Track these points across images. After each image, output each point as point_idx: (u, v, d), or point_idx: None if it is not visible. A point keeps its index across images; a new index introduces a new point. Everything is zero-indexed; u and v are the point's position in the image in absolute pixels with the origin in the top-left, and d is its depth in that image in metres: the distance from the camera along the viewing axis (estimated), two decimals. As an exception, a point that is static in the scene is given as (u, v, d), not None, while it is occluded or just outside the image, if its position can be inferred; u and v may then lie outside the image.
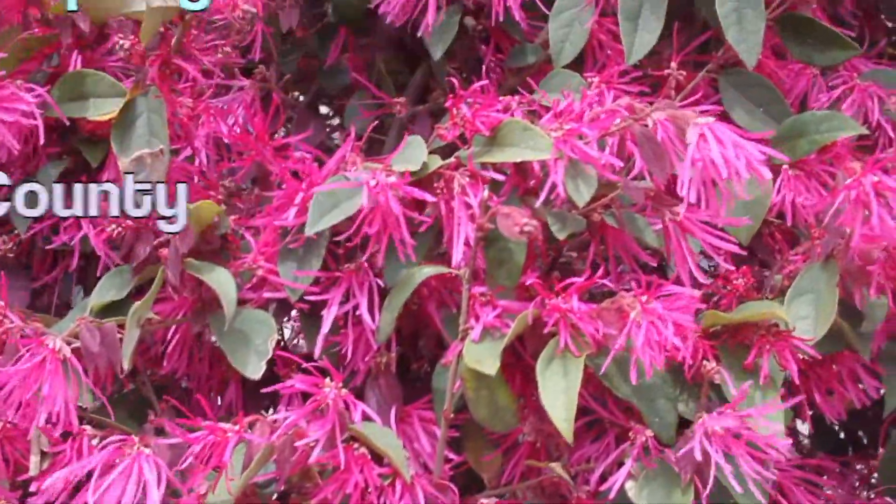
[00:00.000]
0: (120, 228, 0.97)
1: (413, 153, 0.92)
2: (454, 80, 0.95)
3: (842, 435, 1.35)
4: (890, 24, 1.43)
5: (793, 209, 1.04)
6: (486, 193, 0.89)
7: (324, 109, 1.46)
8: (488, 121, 0.91)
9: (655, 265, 0.98)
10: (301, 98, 1.40)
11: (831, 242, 0.93)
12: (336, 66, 1.25)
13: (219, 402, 1.07)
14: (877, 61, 1.21)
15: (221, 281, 0.92)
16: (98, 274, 1.02)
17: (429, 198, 0.88)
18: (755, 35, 0.98)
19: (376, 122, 1.10)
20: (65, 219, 1.03)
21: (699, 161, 0.83)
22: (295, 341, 1.15)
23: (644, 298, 0.86)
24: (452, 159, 0.93)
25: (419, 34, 1.10)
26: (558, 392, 0.85)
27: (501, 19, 1.08)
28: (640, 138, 0.87)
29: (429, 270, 0.92)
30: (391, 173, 0.88)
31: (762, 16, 0.99)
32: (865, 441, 1.35)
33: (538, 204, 0.89)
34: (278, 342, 0.97)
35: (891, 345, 1.06)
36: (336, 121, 1.40)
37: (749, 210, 1.01)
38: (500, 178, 0.91)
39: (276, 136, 1.05)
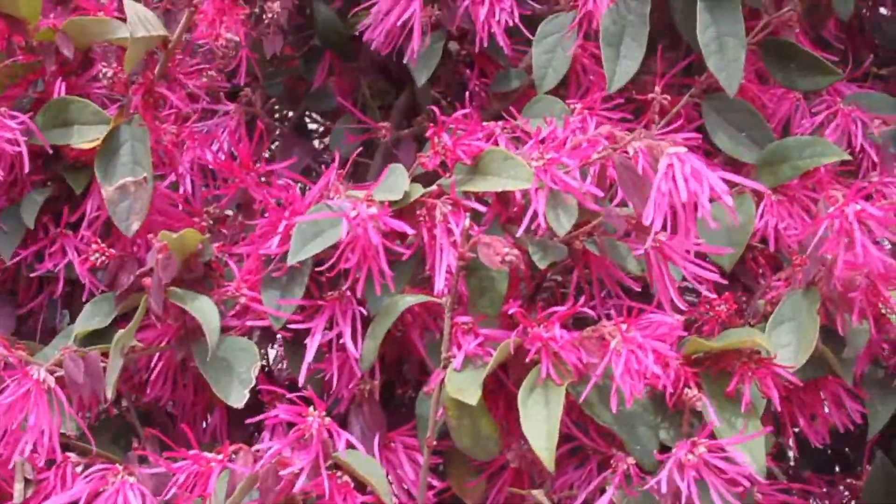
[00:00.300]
0: (103, 257, 0.97)
1: (395, 182, 0.92)
2: (436, 109, 0.95)
3: (828, 453, 1.36)
4: (876, 41, 1.43)
5: (776, 234, 1.04)
6: (467, 222, 0.89)
7: (313, 126, 1.47)
8: (469, 150, 0.92)
9: (639, 290, 0.99)
10: (290, 114, 1.41)
11: (812, 270, 0.93)
12: (322, 89, 1.25)
13: (204, 426, 1.07)
14: (860, 84, 1.22)
15: (204, 310, 0.92)
16: (84, 299, 1.02)
17: (408, 230, 0.88)
18: (736, 63, 0.99)
19: (361, 147, 1.10)
20: (50, 245, 1.04)
21: (665, 191, 0.84)
22: (280, 365, 1.15)
23: (624, 327, 0.86)
24: (434, 187, 0.94)
25: (404, 60, 1.10)
26: (540, 421, 0.85)
27: (485, 45, 1.08)
28: (620, 168, 0.87)
29: (411, 299, 0.92)
30: (372, 203, 0.88)
31: (743, 44, 0.99)
32: (852, 458, 1.36)
33: (520, 232, 0.89)
34: (263, 367, 0.98)
35: (873, 368, 1.06)
36: (326, 138, 1.41)
37: (732, 236, 1.01)
38: (482, 208, 0.91)
39: (263, 158, 1.06)
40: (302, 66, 1.27)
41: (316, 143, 1.47)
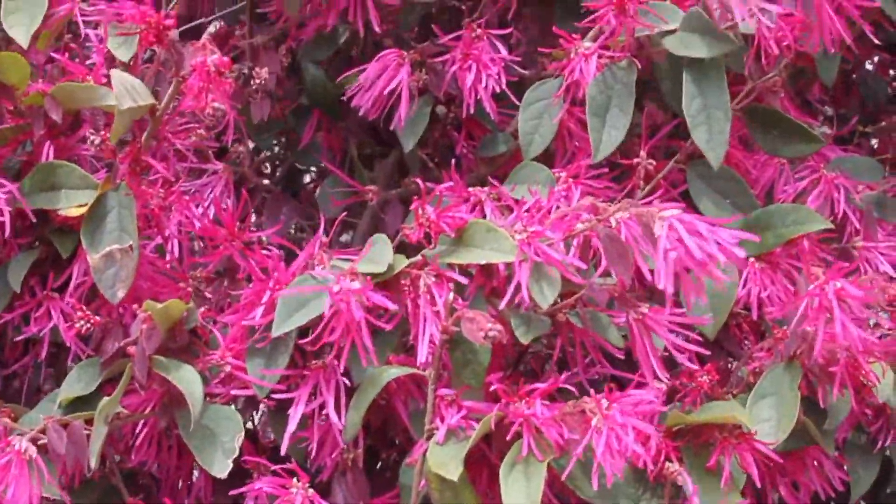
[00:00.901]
0: (88, 324, 0.98)
1: (379, 254, 0.92)
2: (420, 182, 0.96)
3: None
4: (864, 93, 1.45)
5: (759, 302, 1.04)
6: (451, 296, 0.89)
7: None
8: (453, 222, 0.92)
9: (623, 357, 0.99)
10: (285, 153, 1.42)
11: (793, 345, 0.94)
12: (311, 146, 1.26)
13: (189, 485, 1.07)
14: (845, 147, 1.23)
15: (188, 380, 0.92)
16: (69, 359, 1.02)
17: (390, 306, 0.88)
18: (721, 136, 0.99)
19: (347, 211, 1.11)
20: (36, 308, 1.04)
21: (672, 251, 0.84)
22: (266, 425, 1.15)
23: (605, 403, 0.86)
24: (419, 257, 0.94)
25: (391, 126, 1.11)
26: (521, 497, 0.85)
27: (472, 111, 1.09)
28: (605, 239, 0.87)
29: (395, 371, 0.93)
30: (355, 277, 0.89)
31: (728, 117, 0.99)
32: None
33: (503, 305, 0.90)
34: (248, 429, 0.98)
35: (856, 434, 1.07)
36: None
37: (715, 303, 1.02)
38: (465, 280, 0.91)
39: (249, 221, 1.06)
40: (291, 120, 1.28)
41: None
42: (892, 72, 1.52)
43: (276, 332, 0.91)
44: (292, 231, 1.41)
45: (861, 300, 0.88)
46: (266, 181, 1.51)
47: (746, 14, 0.95)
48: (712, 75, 0.99)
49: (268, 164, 1.53)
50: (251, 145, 1.30)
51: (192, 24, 1.25)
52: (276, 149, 1.51)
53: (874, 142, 1.43)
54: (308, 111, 1.24)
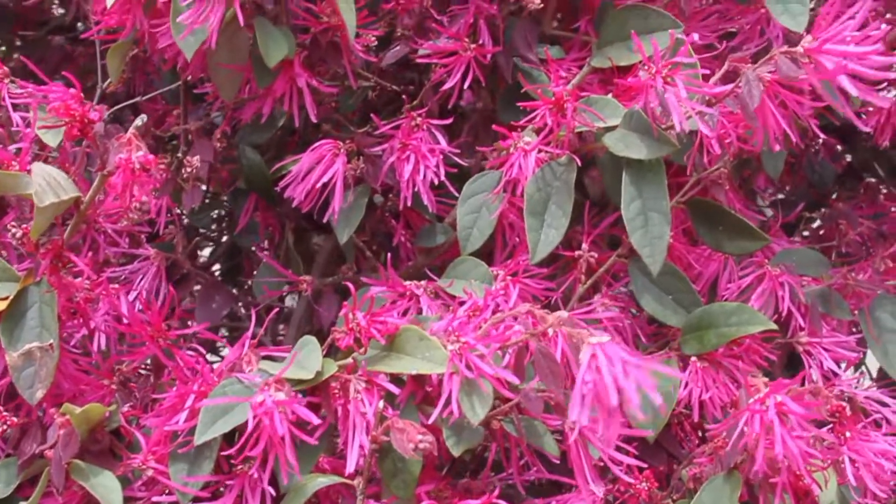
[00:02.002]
0: (5, 426, 0.94)
1: (307, 359, 0.89)
2: (351, 286, 0.93)
3: None
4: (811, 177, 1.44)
5: (700, 403, 1.02)
6: (381, 404, 0.87)
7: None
8: (384, 328, 0.89)
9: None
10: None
11: (734, 456, 0.91)
12: (248, 227, 1.23)
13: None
14: (790, 237, 1.21)
15: (106, 488, 0.89)
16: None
17: (315, 420, 0.85)
18: (660, 241, 0.96)
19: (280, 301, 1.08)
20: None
21: (589, 384, 0.81)
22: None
23: (540, 518, 0.84)
24: (349, 360, 0.91)
25: (325, 218, 1.08)
26: None
27: (410, 203, 1.06)
28: (538, 355, 0.85)
29: (322, 480, 0.90)
30: (281, 387, 0.85)
31: (668, 220, 0.97)
32: None
33: (434, 416, 0.87)
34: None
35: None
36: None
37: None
38: (396, 390, 0.88)
39: (177, 314, 1.02)
40: (230, 200, 1.26)
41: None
42: (839, 148, 1.51)
43: (198, 440, 0.88)
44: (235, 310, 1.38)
45: (802, 416, 0.85)
46: (208, 249, 1.49)
47: (683, 118, 0.92)
48: (651, 176, 0.97)
49: (211, 234, 1.50)
50: (186, 223, 1.28)
51: (130, 101, 1.23)
52: (217, 218, 1.48)
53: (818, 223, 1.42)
54: (246, 193, 1.21)
